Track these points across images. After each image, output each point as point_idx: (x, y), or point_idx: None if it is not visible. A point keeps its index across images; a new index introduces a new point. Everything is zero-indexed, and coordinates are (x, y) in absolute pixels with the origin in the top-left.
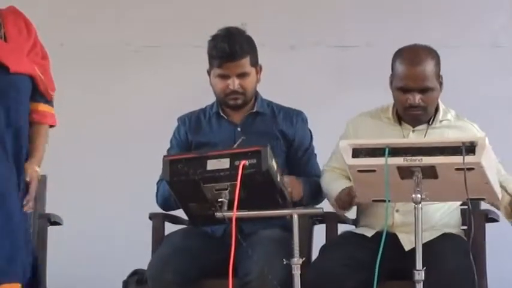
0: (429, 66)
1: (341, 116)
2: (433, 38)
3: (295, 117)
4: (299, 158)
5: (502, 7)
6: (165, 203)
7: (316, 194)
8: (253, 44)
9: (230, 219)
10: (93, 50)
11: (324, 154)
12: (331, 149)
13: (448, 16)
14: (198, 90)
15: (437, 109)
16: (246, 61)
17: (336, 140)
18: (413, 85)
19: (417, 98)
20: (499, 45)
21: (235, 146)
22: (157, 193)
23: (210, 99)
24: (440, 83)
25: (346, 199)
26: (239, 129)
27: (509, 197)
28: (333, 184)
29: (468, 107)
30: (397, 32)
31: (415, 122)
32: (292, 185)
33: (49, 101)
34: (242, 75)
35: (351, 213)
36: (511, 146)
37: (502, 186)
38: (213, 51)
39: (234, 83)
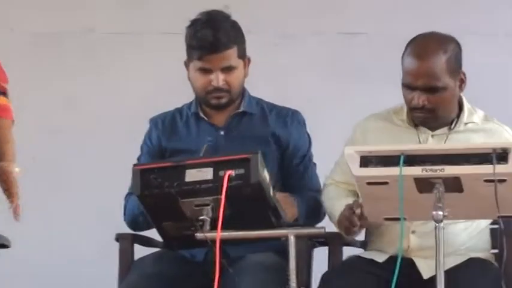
0: (438, 62)
1: (346, 119)
2: (460, 23)
3: (290, 117)
4: (294, 167)
5: None
6: (134, 221)
7: (314, 214)
8: (241, 31)
9: (213, 241)
10: (50, 36)
11: (325, 164)
12: (334, 158)
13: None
14: (174, 85)
15: (461, 109)
16: (232, 52)
17: (340, 147)
18: (416, 83)
19: (421, 99)
20: None
21: (201, 154)
22: (125, 209)
23: (188, 96)
24: (462, 81)
25: (350, 219)
26: (222, 132)
27: None
28: (337, 203)
29: (498, 104)
30: (415, 18)
31: (423, 125)
32: (284, 204)
33: (4, 93)
34: (227, 69)
35: (359, 235)
36: None
37: None
38: (192, 40)
39: (218, 79)
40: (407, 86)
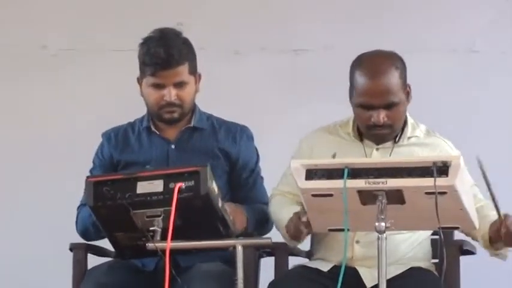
0: (393, 78)
1: (294, 132)
2: (402, 41)
3: (239, 133)
4: (244, 180)
5: (482, 11)
6: (86, 232)
7: (262, 223)
8: (192, 48)
9: (163, 250)
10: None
11: (272, 177)
12: (282, 170)
13: (422, 17)
14: (126, 101)
15: (405, 124)
16: (184, 68)
17: (287, 160)
18: (376, 102)
19: (381, 116)
20: (476, 50)
21: None
22: (77, 220)
23: (140, 111)
24: (408, 94)
25: (296, 226)
26: (173, 146)
27: (489, 227)
28: (284, 210)
29: (440, 117)
30: (361, 33)
31: (379, 141)
32: (234, 214)
33: None
34: (179, 85)
35: (304, 245)
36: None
37: (479, 214)
38: (145, 56)
39: (171, 94)
40: (364, 106)
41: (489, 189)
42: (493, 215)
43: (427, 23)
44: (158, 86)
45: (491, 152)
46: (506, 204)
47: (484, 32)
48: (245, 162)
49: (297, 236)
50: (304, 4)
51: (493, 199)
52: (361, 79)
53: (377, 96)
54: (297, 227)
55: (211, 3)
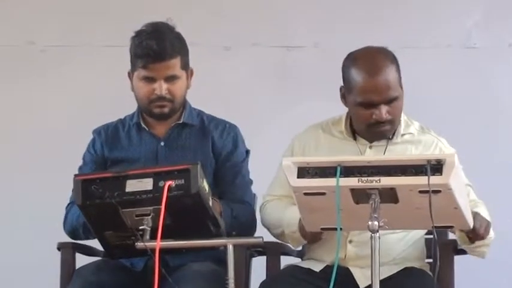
0: (391, 73)
1: (285, 129)
2: (394, 38)
3: (227, 130)
4: (223, 174)
5: (476, 6)
6: (74, 231)
7: (241, 222)
8: (185, 43)
9: (153, 250)
10: None
11: (263, 174)
12: (273, 167)
13: (414, 13)
14: (116, 97)
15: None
16: (176, 62)
17: (278, 157)
18: (378, 98)
19: (384, 112)
20: (471, 46)
21: None
22: (65, 219)
23: (131, 108)
24: (401, 87)
25: None
26: (163, 143)
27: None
28: (287, 211)
29: (435, 115)
30: (353, 30)
31: (380, 137)
32: None
33: None
34: (171, 79)
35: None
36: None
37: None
38: (137, 49)
39: (162, 88)
40: (363, 104)
41: None
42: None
43: (419, 19)
44: (149, 80)
45: (487, 150)
46: (501, 201)
47: (478, 27)
48: (228, 157)
49: (315, 237)
50: (295, 1)
51: None
52: (359, 77)
53: (378, 92)
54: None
55: None
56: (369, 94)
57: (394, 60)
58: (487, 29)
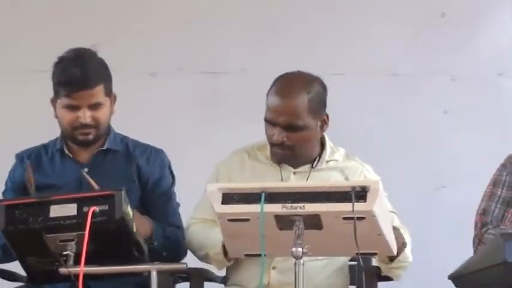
0: (299, 101)
1: (211, 155)
2: (320, 65)
3: (153, 155)
4: (155, 202)
5: (401, 34)
6: None
7: (172, 243)
8: (108, 69)
9: (76, 275)
10: None
11: (190, 200)
12: (199, 193)
13: (342, 40)
14: (41, 122)
15: (323, 148)
16: (100, 89)
17: (204, 183)
18: (277, 120)
19: (280, 136)
20: (397, 73)
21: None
22: None
23: (56, 133)
24: (324, 122)
25: None
26: (86, 169)
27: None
28: (213, 231)
29: (359, 141)
30: (279, 56)
31: (280, 161)
32: (137, 220)
33: None
34: (95, 106)
35: (221, 270)
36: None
37: None
38: (60, 77)
39: (85, 116)
40: (269, 122)
41: None
42: None
43: (346, 46)
44: (73, 108)
45: (409, 177)
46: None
47: (404, 54)
48: (157, 184)
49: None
50: (220, 26)
51: None
52: (270, 95)
53: (279, 114)
54: None
55: (126, 23)
56: (271, 113)
57: (313, 91)
58: (412, 57)
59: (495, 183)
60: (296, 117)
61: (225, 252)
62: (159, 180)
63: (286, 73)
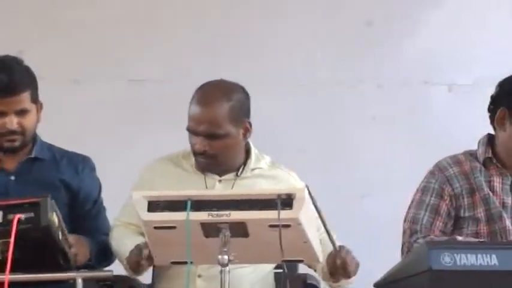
0: (220, 110)
1: (135, 162)
2: (241, 75)
3: (81, 164)
4: (86, 212)
5: (326, 43)
6: None
7: (105, 255)
8: (34, 76)
9: (2, 283)
10: None
11: (114, 208)
12: (124, 200)
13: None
14: None
15: (248, 156)
16: (26, 96)
17: (129, 190)
18: (198, 129)
19: (202, 144)
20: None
21: None
22: None
23: None
24: (246, 129)
25: (137, 259)
26: (13, 177)
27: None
28: (126, 241)
29: (285, 149)
30: (200, 65)
31: (206, 171)
32: (77, 246)
33: None
34: (21, 113)
35: (146, 278)
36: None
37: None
38: None
39: (12, 122)
40: (190, 131)
41: (320, 218)
42: (331, 247)
43: (268, 56)
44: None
45: (333, 184)
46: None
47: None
48: (87, 193)
49: (137, 269)
50: (143, 34)
51: (326, 229)
52: (192, 104)
53: (200, 123)
54: (138, 261)
55: (50, 31)
56: (192, 122)
57: (234, 99)
58: (338, 65)
59: (424, 190)
60: (216, 126)
61: (131, 266)
62: (90, 189)
63: (208, 82)
